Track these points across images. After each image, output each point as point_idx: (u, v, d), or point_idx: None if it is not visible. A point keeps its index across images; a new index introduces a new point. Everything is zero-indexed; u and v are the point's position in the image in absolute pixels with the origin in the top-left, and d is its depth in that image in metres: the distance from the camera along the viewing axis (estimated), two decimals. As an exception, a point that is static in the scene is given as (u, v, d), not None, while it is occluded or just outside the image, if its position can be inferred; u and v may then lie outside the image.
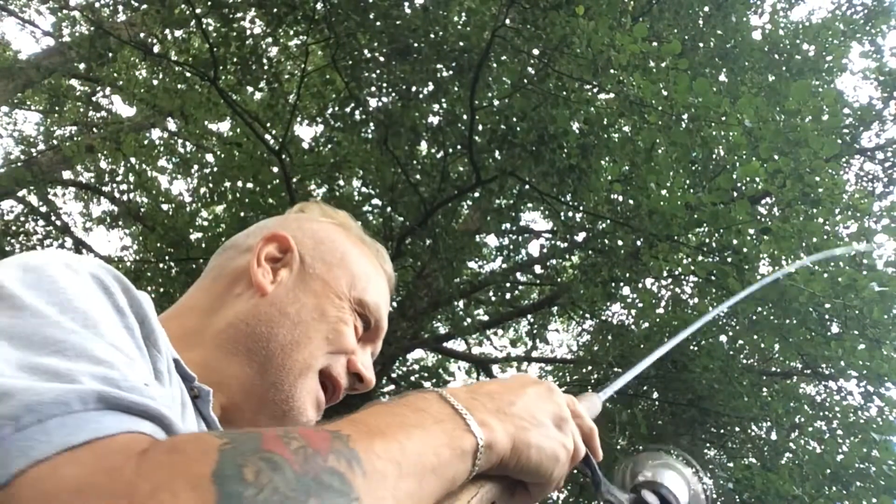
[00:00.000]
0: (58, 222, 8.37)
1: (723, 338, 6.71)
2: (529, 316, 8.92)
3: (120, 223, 8.56)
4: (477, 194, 6.59)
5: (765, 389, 6.37)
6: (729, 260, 5.10)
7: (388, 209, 6.58)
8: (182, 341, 0.73)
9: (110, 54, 6.24)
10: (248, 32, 6.27)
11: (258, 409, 0.77)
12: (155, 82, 7.57)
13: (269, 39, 6.74)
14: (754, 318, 5.54)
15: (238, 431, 0.46)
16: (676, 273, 6.24)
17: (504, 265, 8.06)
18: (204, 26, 5.82)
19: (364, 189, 7.27)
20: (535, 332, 9.24)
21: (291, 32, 6.76)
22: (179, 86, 6.82)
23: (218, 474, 0.40)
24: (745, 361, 6.85)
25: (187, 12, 5.71)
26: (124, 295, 0.58)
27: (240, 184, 6.82)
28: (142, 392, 0.48)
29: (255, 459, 0.42)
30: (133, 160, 8.21)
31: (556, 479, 0.65)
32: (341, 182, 7.13)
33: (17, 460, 0.39)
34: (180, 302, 0.84)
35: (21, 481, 0.39)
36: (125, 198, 8.51)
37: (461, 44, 5.77)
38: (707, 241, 5.45)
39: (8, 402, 0.41)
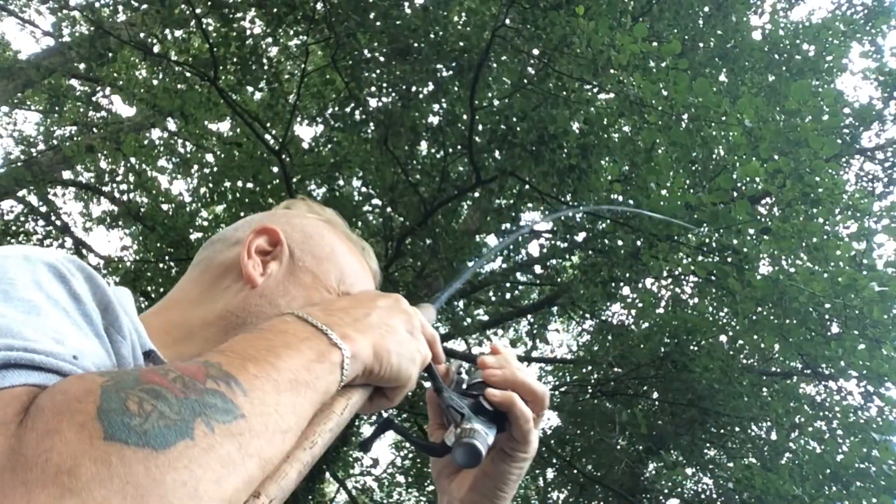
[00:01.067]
0: (58, 222, 8.37)
1: (723, 338, 6.72)
2: (529, 316, 8.92)
3: (120, 223, 8.55)
4: (477, 194, 6.59)
5: (765, 389, 6.37)
6: (729, 260, 5.10)
7: (388, 209, 6.58)
8: (169, 334, 0.73)
9: (110, 54, 6.24)
10: (248, 32, 6.28)
11: None
12: (155, 82, 7.57)
13: (269, 39, 6.74)
14: (754, 318, 5.54)
15: (118, 370, 0.48)
16: (676, 273, 6.24)
17: (504, 265, 8.06)
18: (204, 26, 5.82)
19: (364, 189, 7.27)
20: (535, 332, 9.24)
21: (291, 32, 6.76)
22: (179, 86, 6.82)
23: (103, 409, 0.41)
24: (745, 361, 6.86)
25: (187, 12, 5.71)
26: (86, 283, 0.58)
27: (240, 184, 6.82)
28: (59, 356, 0.48)
29: (136, 391, 0.43)
30: (133, 160, 8.21)
31: (413, 380, 0.70)
32: (341, 182, 7.13)
33: None
34: (168, 296, 0.84)
35: None
36: (125, 198, 8.51)
37: (461, 44, 5.77)
38: (707, 240, 5.45)
39: None
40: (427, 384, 0.81)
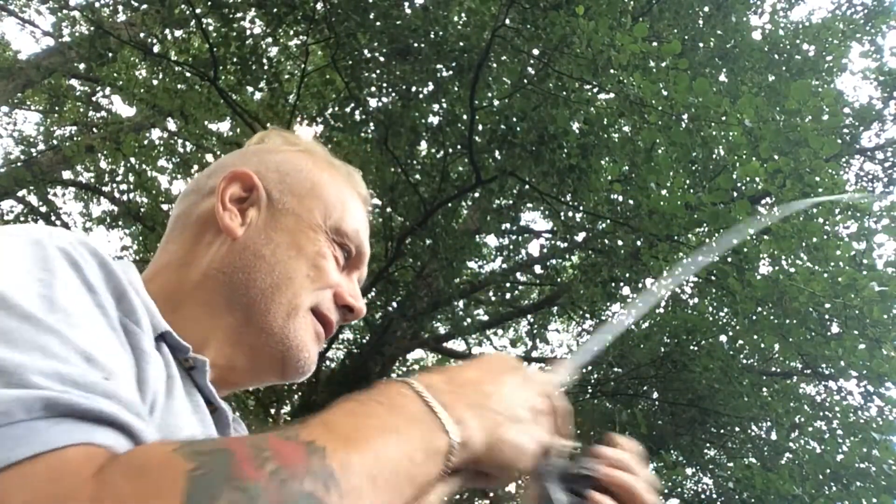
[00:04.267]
0: (58, 222, 8.37)
1: (723, 338, 6.72)
2: (529, 316, 8.92)
3: (120, 223, 8.56)
4: (477, 194, 6.59)
5: (765, 389, 6.37)
6: (729, 260, 5.10)
7: (388, 209, 6.58)
8: (168, 303, 0.70)
9: (110, 54, 6.24)
10: (248, 32, 6.27)
11: (252, 356, 0.74)
12: (155, 82, 7.57)
13: (269, 39, 6.74)
14: (754, 318, 5.54)
15: (208, 446, 0.43)
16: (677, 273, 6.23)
17: (504, 265, 8.06)
18: (204, 26, 5.82)
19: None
20: (535, 332, 9.24)
21: (291, 32, 6.76)
22: (179, 86, 6.82)
23: None
24: (745, 361, 6.85)
25: (187, 12, 5.71)
26: (100, 269, 0.55)
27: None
28: (99, 389, 0.44)
29: (227, 490, 0.39)
30: (133, 160, 8.21)
31: (524, 471, 0.64)
32: (341, 182, 7.11)
33: None
34: (155, 260, 0.79)
35: None
36: (125, 198, 8.51)
37: (461, 44, 5.77)
38: (707, 240, 5.45)
39: None
40: None
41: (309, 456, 0.44)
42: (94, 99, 9.46)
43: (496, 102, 5.85)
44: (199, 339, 0.70)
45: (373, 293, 6.65)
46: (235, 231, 0.75)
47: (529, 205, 6.87)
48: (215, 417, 0.69)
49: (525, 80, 5.52)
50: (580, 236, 6.79)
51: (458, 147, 6.27)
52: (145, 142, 8.76)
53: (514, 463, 0.61)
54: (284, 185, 0.80)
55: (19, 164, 8.49)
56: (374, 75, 6.23)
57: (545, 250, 7.74)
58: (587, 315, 7.75)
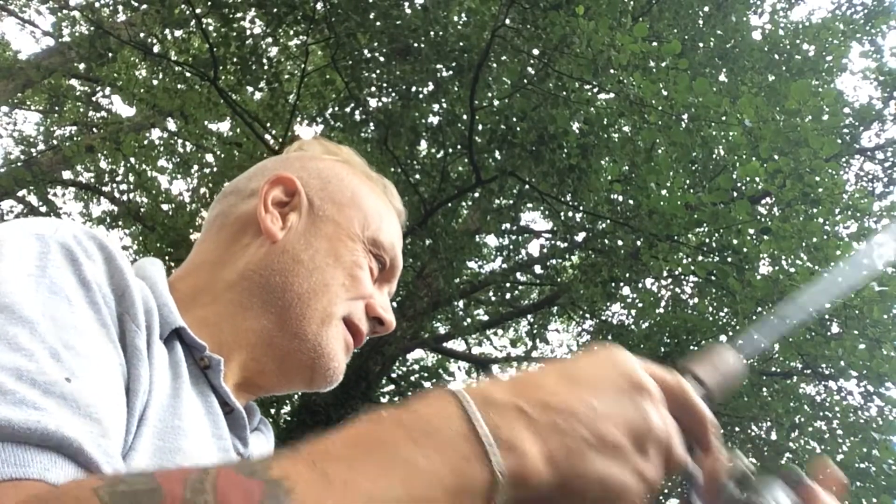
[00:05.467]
0: (58, 222, 8.36)
1: (723, 338, 6.71)
2: (529, 316, 8.92)
3: (120, 223, 8.55)
4: (477, 194, 6.59)
5: (765, 389, 6.37)
6: (729, 260, 5.10)
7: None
8: (195, 301, 0.70)
9: (110, 54, 6.24)
10: (248, 32, 6.27)
11: (282, 360, 0.73)
12: (155, 82, 7.57)
13: (269, 39, 6.74)
14: (754, 318, 5.54)
15: (136, 485, 0.35)
16: (676, 273, 6.24)
17: (504, 265, 8.06)
18: (204, 26, 5.82)
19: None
20: (535, 332, 9.24)
21: (291, 32, 6.76)
22: (179, 86, 6.82)
23: None
24: (744, 361, 6.85)
25: (187, 12, 5.71)
26: (104, 265, 0.54)
27: (240, 184, 6.81)
28: (56, 390, 0.41)
29: None
30: (133, 160, 8.21)
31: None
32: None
33: None
34: (189, 258, 0.80)
35: None
36: (125, 198, 8.51)
37: (461, 44, 5.77)
38: (707, 240, 5.45)
39: None
40: None
41: (264, 499, 0.34)
42: (94, 99, 9.46)
43: (496, 102, 5.85)
44: (229, 340, 0.70)
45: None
46: (276, 234, 0.75)
47: (529, 205, 6.87)
48: (230, 419, 0.68)
49: (525, 80, 5.52)
50: (580, 236, 6.79)
51: (458, 147, 6.27)
52: (145, 142, 8.76)
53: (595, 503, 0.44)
54: (325, 193, 0.80)
55: (19, 164, 8.49)
56: (374, 75, 6.23)
57: (545, 250, 7.74)
58: (587, 315, 7.75)
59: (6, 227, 0.53)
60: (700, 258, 5.36)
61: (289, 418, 6.16)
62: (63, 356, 0.45)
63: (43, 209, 8.45)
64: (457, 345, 8.95)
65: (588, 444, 0.43)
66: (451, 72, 5.95)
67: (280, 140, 6.12)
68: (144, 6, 5.70)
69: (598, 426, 0.44)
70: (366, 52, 6.03)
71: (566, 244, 7.12)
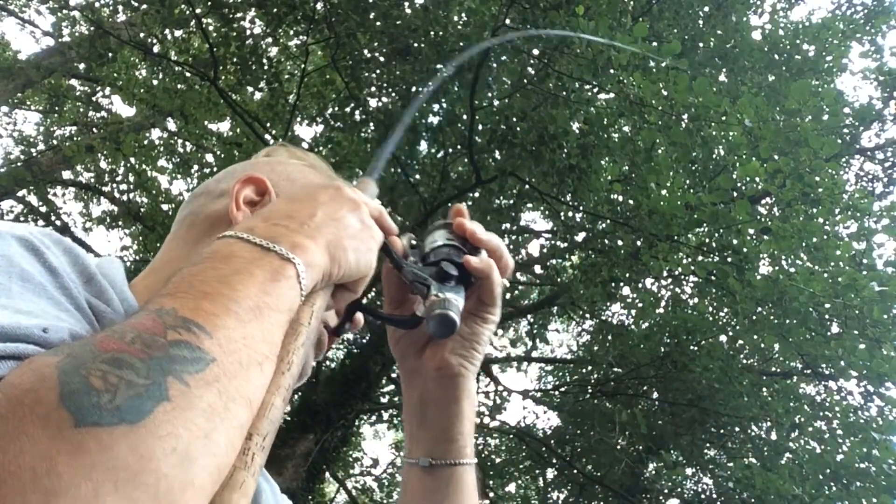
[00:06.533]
0: (58, 222, 8.37)
1: (723, 338, 6.72)
2: (529, 316, 8.92)
3: (120, 223, 8.55)
4: (477, 194, 6.60)
5: (765, 389, 6.37)
6: (729, 260, 5.10)
7: (388, 209, 6.57)
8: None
9: (110, 54, 6.24)
10: (248, 32, 6.28)
11: None
12: (155, 82, 7.57)
13: (269, 39, 6.74)
14: (754, 318, 5.54)
15: (69, 344, 0.43)
16: (676, 273, 6.24)
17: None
18: (204, 26, 5.82)
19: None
20: (535, 332, 9.24)
21: (291, 32, 6.76)
22: (179, 86, 6.82)
23: (65, 394, 0.37)
24: (745, 361, 6.85)
25: (187, 12, 5.71)
26: (64, 255, 0.56)
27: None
28: (21, 329, 0.44)
29: (97, 364, 0.39)
30: (133, 160, 8.21)
31: (372, 268, 0.67)
32: (341, 182, 7.12)
33: None
34: (155, 258, 0.81)
35: None
36: (125, 198, 8.51)
37: (461, 44, 5.77)
38: (707, 240, 5.45)
39: None
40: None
41: (161, 317, 0.44)
42: (94, 99, 9.45)
43: (496, 102, 5.85)
44: None
45: (373, 293, 6.65)
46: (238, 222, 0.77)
47: (529, 205, 6.87)
48: None
49: (525, 80, 5.52)
50: (580, 236, 6.80)
51: (458, 147, 6.27)
52: (145, 142, 8.75)
53: (361, 264, 0.64)
54: (286, 188, 0.82)
55: (19, 164, 8.49)
56: (374, 75, 6.24)
57: (545, 250, 7.74)
58: (587, 315, 7.75)
59: None
60: (700, 258, 5.36)
61: (289, 418, 6.16)
62: (36, 315, 0.47)
63: (43, 209, 8.45)
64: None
65: (334, 228, 0.62)
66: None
67: (280, 140, 6.11)
68: (144, 6, 5.70)
69: (333, 216, 0.63)
70: (366, 52, 6.03)
71: (566, 244, 7.12)
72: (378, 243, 0.69)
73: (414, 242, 0.80)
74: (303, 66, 6.31)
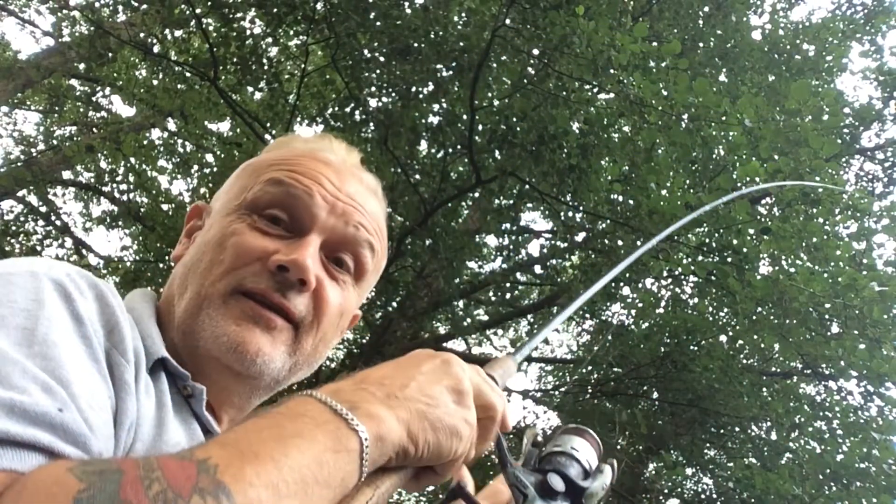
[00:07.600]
0: (58, 222, 8.38)
1: (723, 338, 6.72)
2: (529, 316, 8.92)
3: (120, 223, 8.55)
4: (477, 194, 6.59)
5: (765, 389, 6.37)
6: (729, 260, 5.10)
7: (388, 209, 6.56)
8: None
9: (110, 54, 6.24)
10: (248, 32, 6.27)
11: (198, 365, 0.71)
12: (155, 82, 7.57)
13: (269, 39, 6.73)
14: (754, 318, 5.54)
15: (101, 466, 0.42)
16: (676, 273, 6.24)
17: (504, 265, 8.06)
18: (204, 26, 5.82)
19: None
20: (535, 332, 9.22)
21: (291, 32, 6.75)
22: (179, 86, 6.82)
23: None
24: (745, 361, 6.85)
25: (187, 12, 5.71)
26: (95, 302, 0.57)
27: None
28: (46, 420, 0.45)
29: None
30: (133, 160, 8.21)
31: (461, 455, 0.60)
32: (341, 182, 7.10)
33: None
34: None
35: None
36: (125, 198, 8.51)
37: (461, 44, 5.77)
38: (707, 240, 5.45)
39: None
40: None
41: (199, 474, 0.42)
42: (94, 99, 9.46)
43: (496, 102, 5.85)
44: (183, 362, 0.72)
45: (373, 293, 6.65)
46: (178, 255, 0.81)
47: (529, 205, 6.87)
48: None
49: (525, 80, 5.51)
50: (580, 236, 6.79)
51: (458, 147, 6.27)
52: (145, 142, 8.75)
53: (443, 447, 0.58)
54: (220, 194, 0.83)
55: (19, 164, 8.49)
56: (374, 75, 6.23)
57: (545, 250, 7.73)
58: (587, 315, 7.75)
59: (7, 263, 0.56)
60: (700, 258, 5.36)
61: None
62: (55, 389, 0.48)
63: (43, 209, 8.45)
64: (457, 345, 8.95)
65: (422, 403, 0.57)
66: (451, 72, 5.95)
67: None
68: (144, 6, 5.70)
69: (426, 390, 0.58)
70: (366, 52, 6.03)
71: (566, 244, 7.12)
72: (473, 429, 0.61)
73: (539, 439, 0.75)
74: (303, 66, 6.30)
